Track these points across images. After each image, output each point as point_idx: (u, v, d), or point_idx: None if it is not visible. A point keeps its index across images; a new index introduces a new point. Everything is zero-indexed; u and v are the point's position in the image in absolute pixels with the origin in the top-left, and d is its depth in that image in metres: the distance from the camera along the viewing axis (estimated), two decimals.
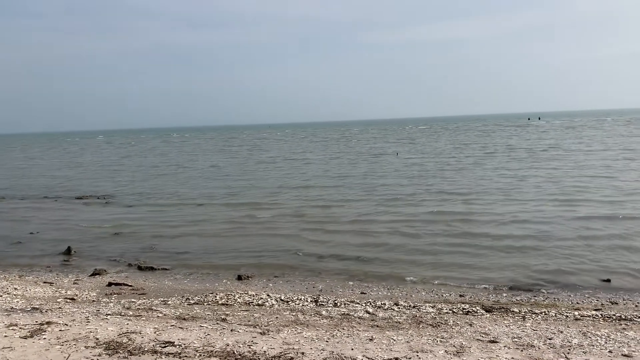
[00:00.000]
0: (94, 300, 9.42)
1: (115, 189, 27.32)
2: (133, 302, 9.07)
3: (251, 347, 5.79)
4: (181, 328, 6.63)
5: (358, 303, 8.97)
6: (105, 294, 10.10)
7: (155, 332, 6.33)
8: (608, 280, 10.22)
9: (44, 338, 6.00)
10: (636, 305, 8.90)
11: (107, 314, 7.51)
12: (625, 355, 5.81)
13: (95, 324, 6.74)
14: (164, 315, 7.68)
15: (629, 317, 7.92)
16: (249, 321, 7.25)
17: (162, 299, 9.41)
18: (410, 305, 8.74)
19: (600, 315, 8.02)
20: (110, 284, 10.91)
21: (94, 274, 11.86)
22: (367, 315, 7.97)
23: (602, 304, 9.00)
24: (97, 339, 5.99)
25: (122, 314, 7.66)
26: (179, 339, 6.03)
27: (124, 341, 5.91)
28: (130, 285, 10.83)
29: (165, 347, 5.74)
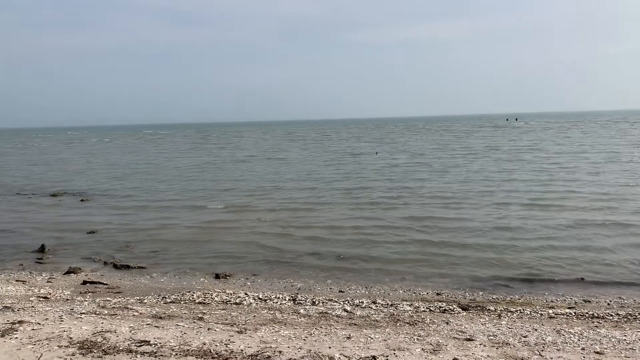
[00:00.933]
0: (68, 299, 9.25)
1: (90, 187, 26.89)
2: (108, 300, 8.94)
3: (228, 345, 5.75)
4: (157, 327, 6.55)
5: (336, 301, 8.98)
6: (80, 293, 9.93)
7: (130, 331, 6.24)
8: (582, 279, 10.42)
9: (16, 337, 5.87)
10: (608, 303, 9.09)
11: (82, 313, 7.39)
12: (597, 353, 5.92)
13: (69, 323, 6.62)
14: (140, 314, 7.58)
15: (601, 315, 8.09)
16: (226, 320, 7.20)
17: (138, 298, 9.30)
18: (387, 304, 8.79)
19: (573, 314, 8.17)
20: (85, 283, 10.73)
21: (68, 272, 11.65)
22: (345, 313, 7.99)
23: (575, 303, 9.16)
24: (71, 338, 5.89)
25: (97, 312, 7.54)
26: (154, 338, 5.96)
27: (98, 340, 5.82)
28: (106, 284, 10.67)
29: (140, 346, 5.67)
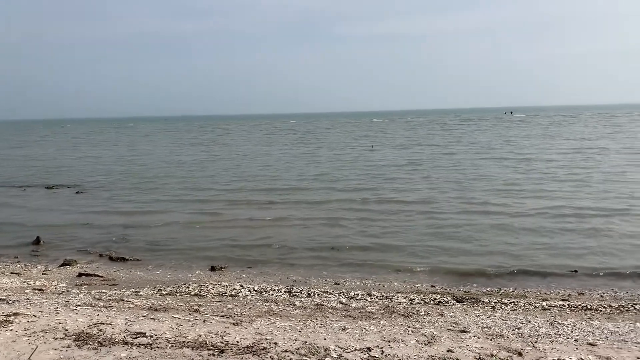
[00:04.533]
0: (63, 291, 9.26)
1: (85, 179, 26.81)
2: (104, 292, 8.95)
3: (224, 337, 5.77)
4: (153, 319, 6.57)
5: (331, 293, 9.02)
6: (75, 285, 9.93)
7: (126, 323, 6.25)
8: (575, 271, 10.49)
9: (11, 329, 5.87)
10: (601, 296, 9.16)
11: (77, 305, 7.40)
12: (590, 344, 5.97)
13: (65, 315, 6.62)
14: (136, 306, 7.60)
15: (594, 307, 8.16)
16: (221, 312, 7.23)
17: (133, 290, 9.31)
18: (382, 296, 8.83)
19: (567, 306, 8.24)
20: (80, 275, 10.73)
21: (63, 265, 11.64)
22: (340, 305, 8.03)
23: (569, 295, 9.23)
24: (67, 330, 5.90)
25: (93, 305, 7.55)
26: (150, 330, 5.98)
27: (94, 332, 5.82)
28: (101, 276, 10.67)
29: (136, 338, 5.68)
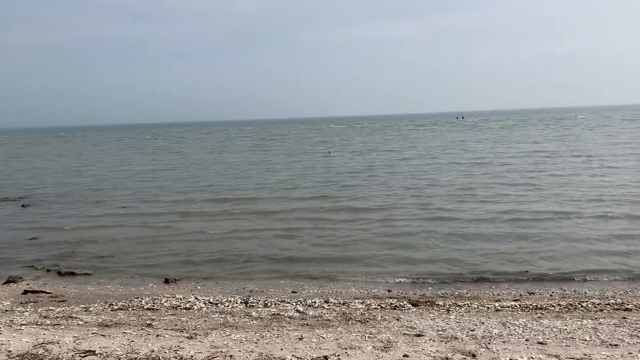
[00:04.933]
0: (7, 310, 8.84)
1: (32, 191, 25.79)
2: (51, 310, 8.60)
3: (177, 352, 5.63)
4: (103, 335, 6.35)
5: (289, 302, 8.96)
6: (21, 303, 9.50)
7: (75, 341, 6.02)
8: (526, 272, 10.79)
9: None
10: (551, 295, 9.45)
11: (22, 324, 7.08)
12: (540, 343, 6.14)
13: (8, 335, 6.32)
14: (85, 322, 7.33)
15: (544, 306, 8.41)
16: (175, 325, 7.07)
17: (83, 306, 8.98)
18: (340, 302, 8.84)
19: (518, 306, 8.45)
20: (26, 292, 10.27)
21: (7, 282, 11.12)
22: (298, 314, 7.98)
23: (520, 295, 9.48)
24: (10, 351, 5.62)
25: (39, 323, 7.24)
26: (100, 347, 5.77)
27: (39, 352, 5.58)
28: (49, 293, 10.25)
29: (85, 356, 5.48)
